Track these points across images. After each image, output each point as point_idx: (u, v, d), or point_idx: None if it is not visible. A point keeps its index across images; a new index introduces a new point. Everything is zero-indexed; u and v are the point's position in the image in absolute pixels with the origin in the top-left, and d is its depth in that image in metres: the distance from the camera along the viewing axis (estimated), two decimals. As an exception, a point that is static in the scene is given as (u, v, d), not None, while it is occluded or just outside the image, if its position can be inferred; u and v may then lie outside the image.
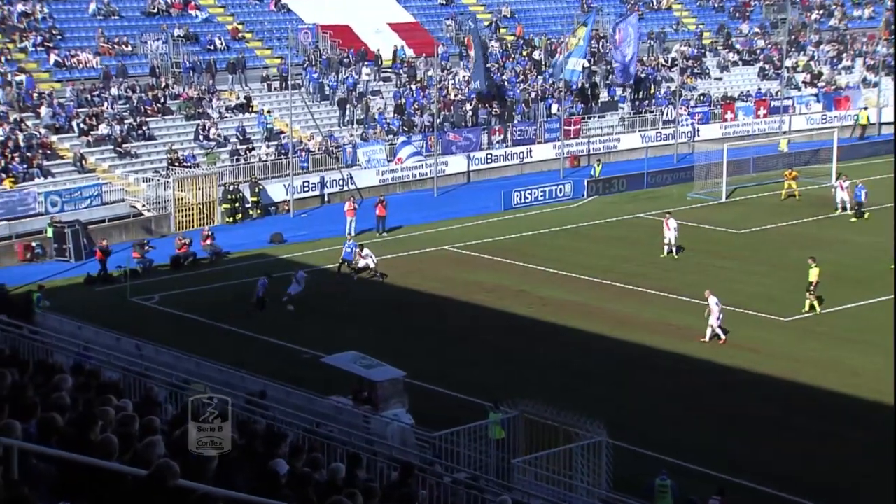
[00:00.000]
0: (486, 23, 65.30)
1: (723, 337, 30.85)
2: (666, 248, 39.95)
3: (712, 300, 30.88)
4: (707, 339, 31.02)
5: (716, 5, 74.63)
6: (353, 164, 51.77)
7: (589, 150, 58.19)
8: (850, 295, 35.12)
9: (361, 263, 37.65)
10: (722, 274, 37.97)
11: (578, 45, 54.38)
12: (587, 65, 59.63)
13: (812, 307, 33.46)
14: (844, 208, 45.67)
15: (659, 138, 59.94)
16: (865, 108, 65.88)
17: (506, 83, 60.08)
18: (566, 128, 57.17)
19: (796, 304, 33.79)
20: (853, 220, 44.92)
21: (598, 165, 54.06)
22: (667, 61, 66.56)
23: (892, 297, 29.43)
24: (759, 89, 66.57)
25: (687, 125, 60.38)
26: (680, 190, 51.11)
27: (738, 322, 32.40)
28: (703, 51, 69.24)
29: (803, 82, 68.49)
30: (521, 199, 49.10)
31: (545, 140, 57.42)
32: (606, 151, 58.50)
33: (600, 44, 65.21)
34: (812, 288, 33.40)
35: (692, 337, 31.28)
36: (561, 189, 51.01)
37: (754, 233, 43.91)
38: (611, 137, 59.66)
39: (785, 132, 61.47)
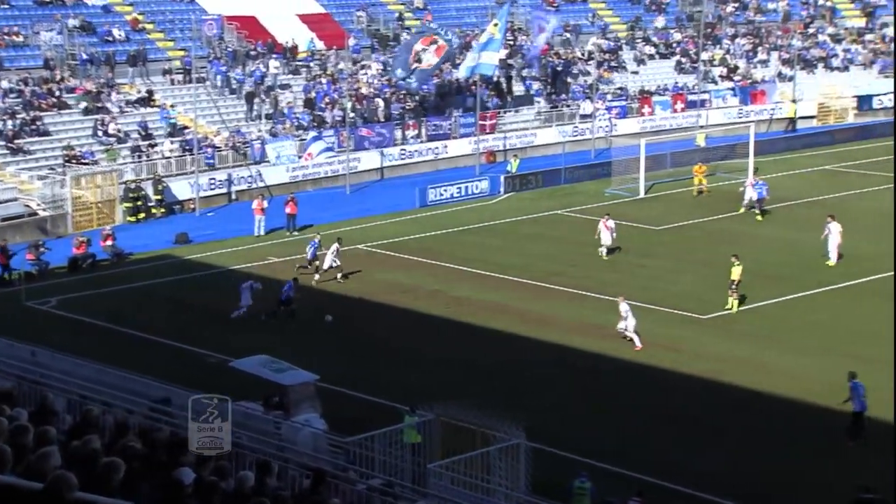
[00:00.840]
0: (397, 14, 64.13)
1: (638, 345, 30.09)
2: (603, 249, 38.89)
3: (623, 307, 30.27)
4: (627, 339, 30.31)
5: (632, -3, 74.22)
6: (262, 160, 50.38)
7: (505, 146, 57.41)
8: (768, 292, 34.81)
9: (327, 263, 35.84)
10: (641, 272, 37.51)
11: (494, 38, 53.13)
12: (503, 57, 58.66)
13: (732, 305, 33.05)
14: (752, 206, 45.26)
15: (576, 133, 59.46)
16: (794, 101, 65.85)
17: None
18: (482, 122, 56.30)
19: (716, 302, 33.41)
20: (758, 217, 44.55)
21: (515, 161, 53.32)
22: (583, 54, 66.01)
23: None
24: (676, 83, 66.36)
25: (604, 120, 59.86)
26: (597, 186, 50.60)
27: (659, 321, 32.02)
28: (619, 44, 68.82)
29: (720, 76, 68.54)
30: (436, 196, 48.18)
31: (460, 135, 56.55)
32: (523, 147, 57.75)
33: (515, 36, 64.44)
34: (734, 286, 33.02)
35: (612, 336, 30.61)
36: (477, 185, 50.16)
37: (673, 229, 43.56)
38: (527, 132, 58.95)
39: (702, 127, 61.34)
